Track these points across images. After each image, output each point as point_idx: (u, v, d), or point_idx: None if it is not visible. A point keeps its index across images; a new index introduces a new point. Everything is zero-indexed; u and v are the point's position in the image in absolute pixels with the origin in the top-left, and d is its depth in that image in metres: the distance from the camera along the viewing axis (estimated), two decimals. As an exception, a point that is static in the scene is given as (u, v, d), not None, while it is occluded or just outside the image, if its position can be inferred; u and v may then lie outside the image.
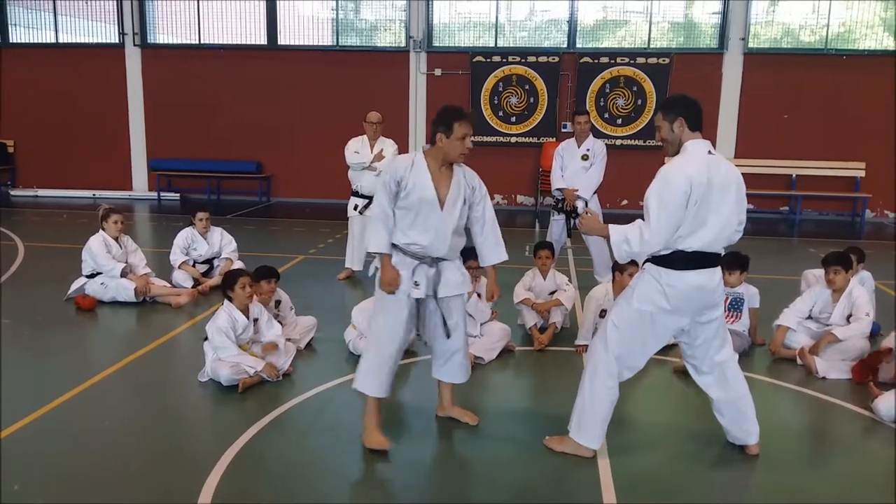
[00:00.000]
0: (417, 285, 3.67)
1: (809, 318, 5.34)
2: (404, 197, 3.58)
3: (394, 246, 3.67)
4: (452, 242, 3.73)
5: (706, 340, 3.57)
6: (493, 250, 3.88)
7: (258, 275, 4.98)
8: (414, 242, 3.64)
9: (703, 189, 3.23)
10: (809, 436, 4.24)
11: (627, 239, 3.30)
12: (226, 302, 4.68)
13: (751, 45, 12.43)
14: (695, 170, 3.24)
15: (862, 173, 12.30)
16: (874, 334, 5.37)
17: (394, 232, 3.65)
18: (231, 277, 4.74)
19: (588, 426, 3.60)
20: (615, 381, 3.57)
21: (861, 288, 5.24)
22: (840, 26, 12.47)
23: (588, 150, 7.04)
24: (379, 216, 3.63)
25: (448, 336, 3.83)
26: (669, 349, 5.32)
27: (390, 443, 3.68)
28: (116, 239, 6.55)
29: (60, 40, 14.13)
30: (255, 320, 4.75)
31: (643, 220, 3.30)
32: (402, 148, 7.47)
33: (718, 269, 3.45)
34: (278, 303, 5.26)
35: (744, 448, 3.73)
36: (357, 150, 7.16)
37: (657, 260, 3.39)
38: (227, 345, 4.51)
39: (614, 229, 3.36)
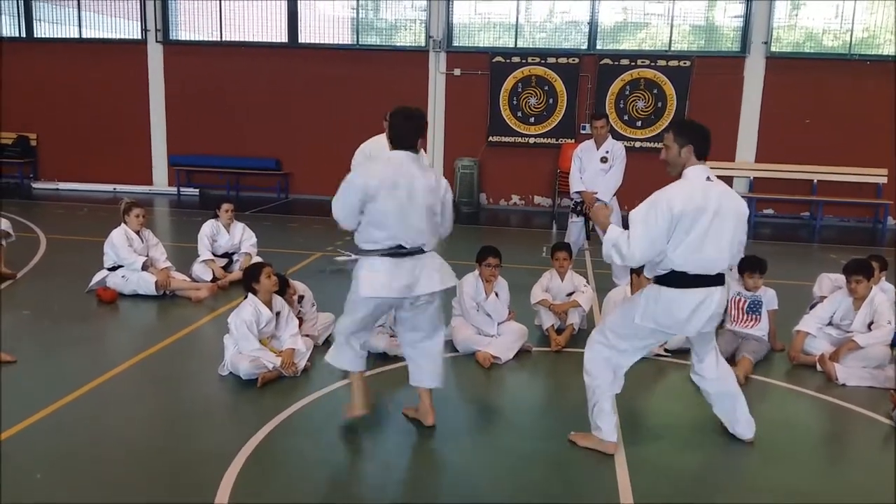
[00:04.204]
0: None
1: (830, 324, 5.30)
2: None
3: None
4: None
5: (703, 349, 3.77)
6: None
7: (277, 291, 4.96)
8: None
9: (695, 215, 3.35)
10: (829, 442, 4.21)
11: (617, 246, 3.41)
12: (250, 295, 4.71)
13: (773, 48, 12.32)
14: (688, 197, 3.37)
15: (884, 180, 12.16)
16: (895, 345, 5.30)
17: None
18: (255, 269, 4.78)
19: (599, 420, 3.70)
20: (613, 374, 3.68)
21: (883, 295, 5.19)
22: (863, 31, 12.34)
23: (607, 151, 7.01)
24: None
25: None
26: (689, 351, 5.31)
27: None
28: (138, 232, 6.62)
29: (84, 36, 14.28)
30: (278, 314, 4.78)
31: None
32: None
33: (719, 289, 3.52)
34: (301, 298, 5.30)
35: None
36: (375, 157, 7.09)
37: (660, 279, 3.50)
38: (249, 337, 4.55)
39: (612, 230, 3.48)
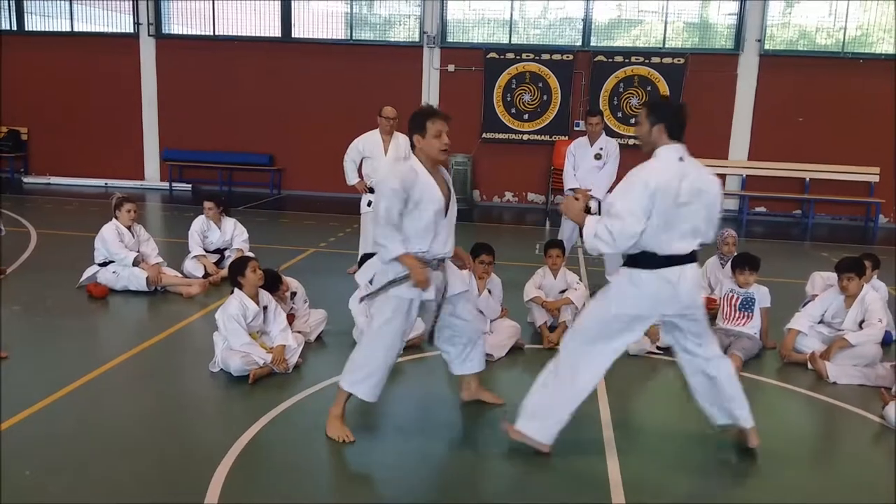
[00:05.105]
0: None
1: (821, 322, 5.31)
2: (414, 206, 3.56)
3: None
4: (453, 239, 3.79)
5: (692, 334, 3.59)
6: None
7: (270, 287, 4.96)
8: (422, 249, 3.63)
9: (669, 196, 3.28)
10: (819, 441, 4.22)
11: (598, 235, 3.34)
12: (236, 290, 4.69)
13: (767, 46, 12.36)
14: (661, 177, 3.30)
15: (876, 178, 12.23)
16: (888, 343, 5.31)
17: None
18: (240, 263, 4.75)
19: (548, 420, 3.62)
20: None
21: (875, 293, 5.20)
22: (857, 29, 12.38)
23: (601, 148, 7.01)
24: (389, 221, 3.54)
25: (430, 342, 3.94)
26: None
27: (354, 435, 3.73)
28: (129, 228, 6.58)
29: (76, 29, 14.19)
30: (265, 308, 4.76)
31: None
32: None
33: (690, 266, 3.44)
34: (293, 294, 5.28)
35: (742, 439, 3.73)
36: (368, 153, 7.06)
37: (630, 262, 3.45)
38: (239, 332, 4.52)
39: (589, 221, 3.39)
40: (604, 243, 3.34)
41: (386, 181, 3.59)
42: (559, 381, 3.60)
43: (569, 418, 3.59)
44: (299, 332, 5.04)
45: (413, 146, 3.67)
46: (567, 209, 3.56)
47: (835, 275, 5.32)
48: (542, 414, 3.61)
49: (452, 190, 3.79)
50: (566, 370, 3.59)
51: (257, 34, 13.66)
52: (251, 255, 5.60)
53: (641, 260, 3.40)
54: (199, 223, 7.15)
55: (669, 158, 3.38)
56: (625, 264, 3.50)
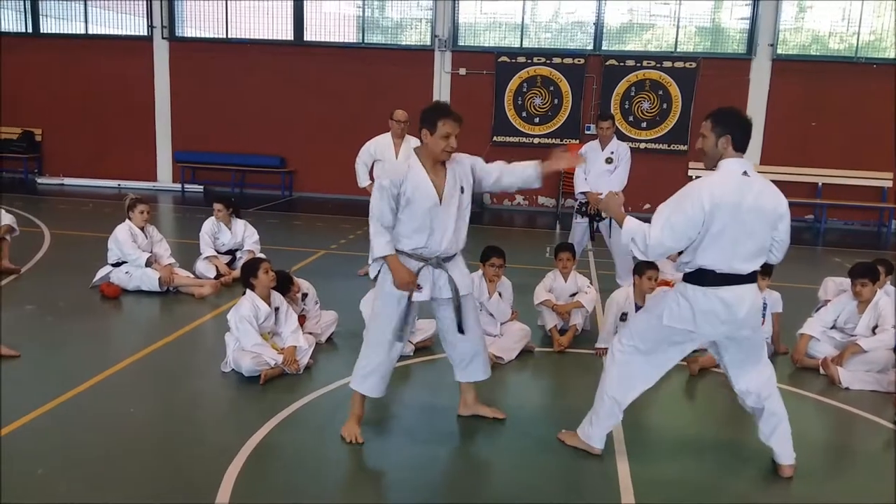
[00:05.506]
0: (420, 288, 3.68)
1: (834, 327, 5.28)
2: (406, 202, 3.57)
3: (398, 251, 3.66)
4: (455, 237, 3.73)
5: (738, 357, 3.52)
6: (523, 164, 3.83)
7: (282, 289, 4.99)
8: (419, 245, 3.64)
9: (726, 211, 3.16)
10: (831, 447, 4.19)
11: (634, 238, 3.31)
12: (248, 291, 4.72)
13: (779, 51, 12.31)
14: (722, 191, 3.18)
15: (889, 183, 12.16)
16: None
17: (396, 237, 3.65)
18: (253, 264, 4.78)
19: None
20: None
21: (888, 299, 5.17)
22: (870, 34, 12.32)
23: (612, 152, 7.01)
24: (379, 220, 3.59)
25: (462, 331, 3.82)
26: (696, 352, 5.30)
27: (363, 438, 3.76)
28: (142, 229, 6.63)
29: (90, 31, 14.30)
30: (276, 309, 4.79)
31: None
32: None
33: (750, 287, 3.34)
34: (305, 296, 5.30)
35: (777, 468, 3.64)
36: (380, 156, 7.07)
37: (687, 277, 3.36)
38: (250, 332, 4.55)
39: (629, 221, 3.35)
40: (636, 248, 3.31)
41: (378, 179, 3.71)
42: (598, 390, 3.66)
43: (619, 417, 3.64)
44: (310, 333, 5.06)
45: (421, 140, 3.66)
46: (608, 204, 3.61)
47: (848, 280, 5.29)
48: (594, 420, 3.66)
49: (463, 184, 3.69)
50: (603, 377, 3.65)
51: (270, 37, 13.73)
52: (263, 256, 5.63)
53: (697, 277, 3.30)
54: (209, 225, 7.20)
55: (733, 172, 3.25)
56: (683, 279, 3.40)
